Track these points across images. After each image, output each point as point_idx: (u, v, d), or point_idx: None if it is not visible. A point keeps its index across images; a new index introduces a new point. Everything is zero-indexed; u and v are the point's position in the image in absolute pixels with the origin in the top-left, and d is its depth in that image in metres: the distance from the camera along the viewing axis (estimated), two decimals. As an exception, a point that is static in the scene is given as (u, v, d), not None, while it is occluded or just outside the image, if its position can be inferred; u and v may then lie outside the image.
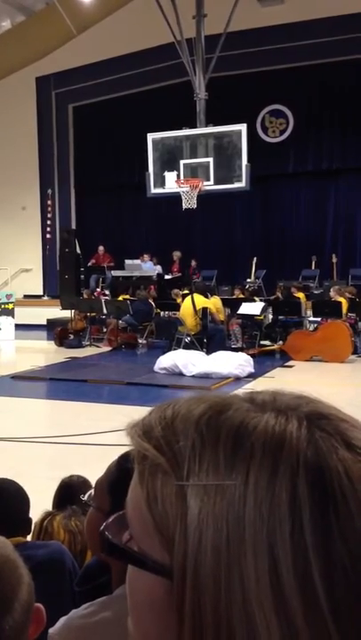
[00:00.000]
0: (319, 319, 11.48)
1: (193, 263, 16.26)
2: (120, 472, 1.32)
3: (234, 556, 0.37)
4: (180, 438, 0.41)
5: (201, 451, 0.40)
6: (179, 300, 12.24)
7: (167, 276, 15.54)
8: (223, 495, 0.38)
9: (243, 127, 11.32)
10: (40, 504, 2.67)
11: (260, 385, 8.78)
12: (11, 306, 14.85)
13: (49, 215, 18.16)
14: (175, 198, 11.92)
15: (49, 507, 2.76)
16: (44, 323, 15.11)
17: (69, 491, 2.72)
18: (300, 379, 9.18)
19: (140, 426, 0.44)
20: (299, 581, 0.36)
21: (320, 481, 0.37)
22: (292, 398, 0.43)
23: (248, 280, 14.89)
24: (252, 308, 11.66)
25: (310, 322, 11.88)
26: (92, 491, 1.42)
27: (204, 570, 0.38)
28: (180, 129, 11.80)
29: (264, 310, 11.77)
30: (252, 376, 9.32)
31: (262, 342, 11.69)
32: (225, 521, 0.37)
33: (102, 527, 0.45)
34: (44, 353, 12.38)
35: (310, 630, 0.36)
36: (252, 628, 0.36)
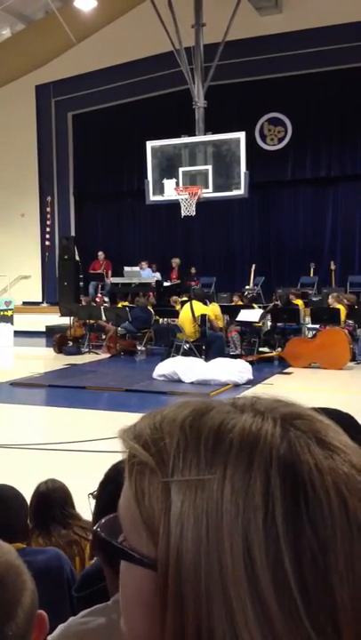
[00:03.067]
0: (318, 326, 11.49)
1: (192, 270, 16.29)
2: (106, 482, 1.35)
3: (213, 545, 0.39)
4: (165, 438, 0.44)
5: (184, 449, 0.42)
6: (177, 307, 12.25)
7: (166, 283, 15.55)
8: (203, 489, 0.40)
9: (241, 135, 11.38)
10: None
11: (259, 392, 8.74)
12: (9, 313, 14.85)
13: (48, 222, 18.19)
14: (174, 205, 11.96)
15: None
16: (43, 329, 15.10)
17: (46, 501, 2.67)
18: (298, 385, 9.19)
19: (132, 430, 0.47)
20: (271, 567, 0.38)
21: (292, 473, 0.40)
22: (270, 402, 0.46)
23: (247, 287, 14.91)
24: (251, 314, 11.67)
25: (309, 329, 11.89)
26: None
27: (186, 559, 0.40)
28: (179, 137, 11.85)
29: (263, 317, 11.79)
30: (250, 383, 9.32)
31: (261, 349, 11.70)
32: (205, 513, 0.40)
33: (95, 526, 0.48)
34: (42, 360, 12.37)
35: (282, 613, 0.38)
36: (230, 613, 0.38)
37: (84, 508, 1.98)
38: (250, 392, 8.63)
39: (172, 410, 0.46)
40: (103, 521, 0.48)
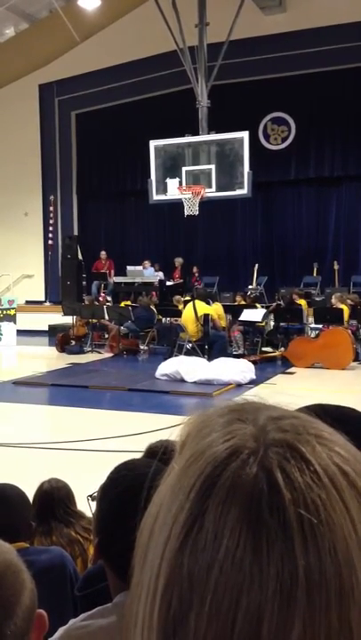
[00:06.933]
0: (321, 326, 11.48)
1: (195, 270, 16.29)
2: (108, 486, 1.35)
3: (153, 528, 0.41)
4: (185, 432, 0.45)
5: (183, 442, 0.44)
6: (180, 307, 12.25)
7: (169, 283, 15.55)
8: (167, 477, 0.42)
9: (245, 134, 11.36)
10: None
11: (262, 391, 8.79)
12: (12, 312, 14.87)
13: (51, 221, 18.21)
14: (177, 205, 11.95)
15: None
16: (46, 329, 15.12)
17: (49, 500, 2.67)
18: (301, 385, 9.18)
19: None
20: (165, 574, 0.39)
21: (209, 484, 0.38)
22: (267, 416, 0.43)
23: (250, 287, 14.90)
24: (254, 314, 11.67)
25: (312, 329, 11.89)
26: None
27: (142, 534, 0.43)
28: (183, 136, 11.84)
29: (266, 317, 11.78)
30: (253, 383, 9.32)
31: (264, 349, 11.70)
32: (160, 496, 0.42)
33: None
34: (45, 359, 12.39)
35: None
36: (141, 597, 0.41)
37: (87, 507, 1.98)
38: (252, 392, 8.64)
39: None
40: None
